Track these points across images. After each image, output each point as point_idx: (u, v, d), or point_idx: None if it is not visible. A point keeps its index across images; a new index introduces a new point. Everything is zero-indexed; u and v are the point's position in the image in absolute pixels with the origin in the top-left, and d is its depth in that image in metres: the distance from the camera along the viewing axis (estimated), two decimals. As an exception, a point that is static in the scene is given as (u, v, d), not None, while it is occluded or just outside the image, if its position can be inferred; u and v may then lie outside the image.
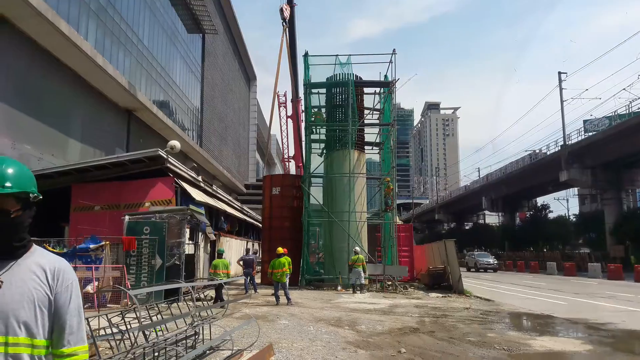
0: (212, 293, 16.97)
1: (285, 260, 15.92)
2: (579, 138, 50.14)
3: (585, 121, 52.76)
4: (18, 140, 21.03)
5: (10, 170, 1.92)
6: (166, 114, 36.90)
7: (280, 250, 16.23)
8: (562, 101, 49.38)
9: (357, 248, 20.53)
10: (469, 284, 24.33)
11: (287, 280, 15.88)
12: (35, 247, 2.05)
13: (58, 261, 2.03)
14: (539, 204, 73.66)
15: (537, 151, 63.04)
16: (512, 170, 65.96)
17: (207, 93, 52.04)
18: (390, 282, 21.77)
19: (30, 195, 1.98)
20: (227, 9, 58.77)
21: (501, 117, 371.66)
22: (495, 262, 46.13)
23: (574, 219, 64.36)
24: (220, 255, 16.54)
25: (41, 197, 2.03)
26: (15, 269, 1.91)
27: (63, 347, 1.92)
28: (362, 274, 19.72)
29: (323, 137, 25.88)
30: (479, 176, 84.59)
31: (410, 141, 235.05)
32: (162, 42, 38.65)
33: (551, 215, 69.48)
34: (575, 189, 63.27)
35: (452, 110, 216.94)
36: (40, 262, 1.98)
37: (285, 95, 55.37)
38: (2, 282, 1.86)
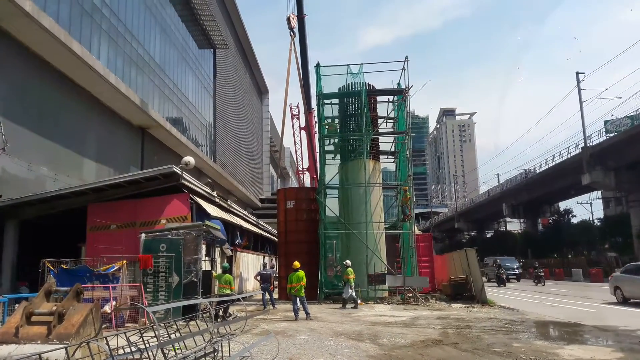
0: (229, 309, 16.94)
1: (302, 274, 16.20)
2: (601, 139, 49.44)
3: (606, 122, 51.98)
4: (34, 162, 21.34)
5: None
6: (180, 130, 37.00)
7: (297, 264, 16.47)
8: (581, 102, 48.74)
9: (348, 260, 20.33)
10: (491, 294, 23.74)
11: (304, 294, 15.97)
12: None
13: None
14: (561, 209, 72.65)
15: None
16: (531, 176, 65.37)
17: (220, 108, 52.17)
18: (411, 294, 21.54)
19: None
20: (237, 23, 59.29)
21: (520, 120, 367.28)
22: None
23: (599, 223, 63.31)
24: (225, 270, 16.56)
25: None
26: None
27: None
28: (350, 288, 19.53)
29: (337, 147, 25.87)
30: (498, 182, 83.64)
31: (427, 149, 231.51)
32: (173, 59, 39.02)
33: (574, 220, 68.49)
34: (599, 191, 62.26)
35: (468, 116, 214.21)
36: None
37: (298, 107, 55.83)
38: None
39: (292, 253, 23.03)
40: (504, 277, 35.24)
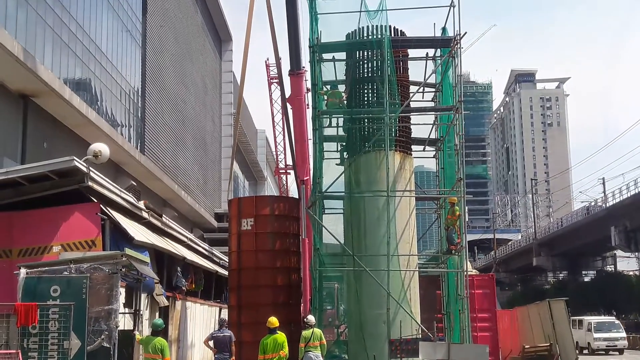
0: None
1: (283, 338, 14.46)
2: None
3: None
4: None
5: None
6: (86, 101, 31.27)
7: (274, 322, 14.53)
8: None
9: (310, 317, 17.58)
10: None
11: None
12: None
13: None
14: None
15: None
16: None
17: (153, 65, 43.92)
18: (460, 374, 19.10)
19: None
20: None
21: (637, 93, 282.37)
22: None
23: None
24: (156, 331, 14.32)
25: None
26: None
27: None
28: None
29: (342, 132, 22.28)
30: (603, 192, 63.17)
31: (489, 136, 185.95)
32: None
33: None
34: None
35: (557, 84, 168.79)
36: None
37: (279, 64, 45.58)
38: None
39: (248, 305, 20.01)
40: None
